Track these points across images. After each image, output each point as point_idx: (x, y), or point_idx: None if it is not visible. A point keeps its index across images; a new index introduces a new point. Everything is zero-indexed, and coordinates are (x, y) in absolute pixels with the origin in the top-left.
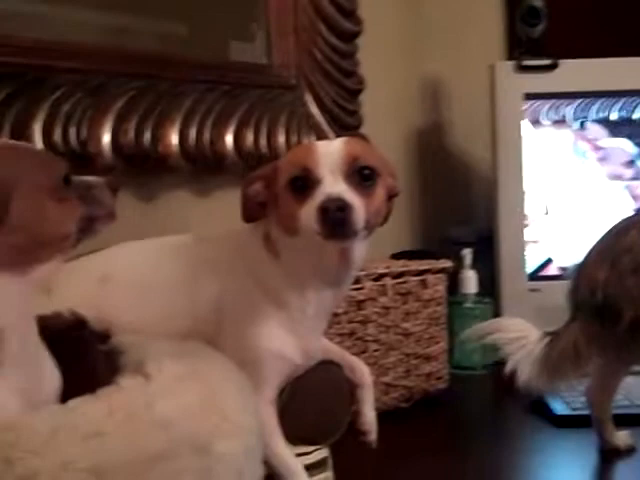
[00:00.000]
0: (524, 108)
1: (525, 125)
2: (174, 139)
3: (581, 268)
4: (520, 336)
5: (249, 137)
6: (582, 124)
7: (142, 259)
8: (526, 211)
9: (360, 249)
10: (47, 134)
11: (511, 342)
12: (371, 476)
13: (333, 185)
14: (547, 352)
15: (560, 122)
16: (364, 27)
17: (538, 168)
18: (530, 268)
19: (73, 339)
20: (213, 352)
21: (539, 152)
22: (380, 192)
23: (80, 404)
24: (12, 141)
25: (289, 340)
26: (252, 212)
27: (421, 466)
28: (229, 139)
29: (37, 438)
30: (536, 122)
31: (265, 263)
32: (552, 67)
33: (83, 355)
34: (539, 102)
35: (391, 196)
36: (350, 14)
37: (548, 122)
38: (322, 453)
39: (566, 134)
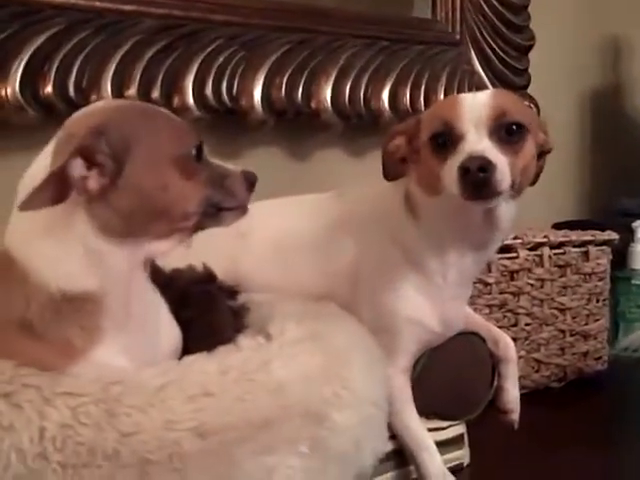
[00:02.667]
0: None
1: None
2: (327, 95)
3: None
4: None
5: (406, 95)
6: None
7: (281, 217)
8: None
9: (507, 211)
10: (199, 87)
11: None
12: (511, 459)
13: (476, 142)
14: None
15: None
16: None
17: None
18: None
19: (200, 293)
20: (344, 315)
21: None
22: (529, 149)
23: (193, 362)
24: (146, 104)
25: (428, 306)
26: (393, 169)
27: (569, 455)
28: (385, 96)
29: (143, 394)
30: None
31: (405, 224)
32: None
33: (209, 310)
34: None
35: (542, 153)
36: None
37: None
38: (458, 429)
39: None
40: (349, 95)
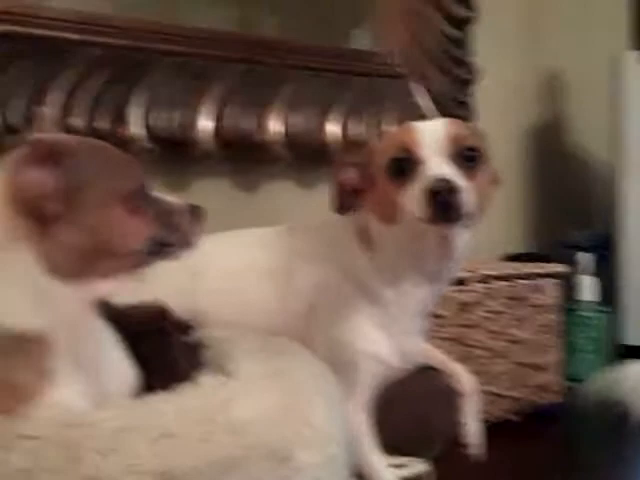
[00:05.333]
0: None
1: None
2: (276, 126)
3: None
4: None
5: (353, 126)
6: None
7: (235, 251)
8: None
9: (461, 239)
10: (146, 117)
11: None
12: None
13: (438, 167)
14: None
15: None
16: (480, 14)
17: None
18: None
19: (153, 330)
20: (302, 351)
21: None
22: (486, 174)
23: (152, 402)
24: (94, 140)
25: (385, 340)
26: (345, 201)
27: None
28: (333, 128)
29: (103, 436)
30: None
31: (358, 256)
32: None
33: (163, 347)
34: None
35: (492, 182)
36: None
37: None
38: (421, 466)
39: None
40: (298, 126)
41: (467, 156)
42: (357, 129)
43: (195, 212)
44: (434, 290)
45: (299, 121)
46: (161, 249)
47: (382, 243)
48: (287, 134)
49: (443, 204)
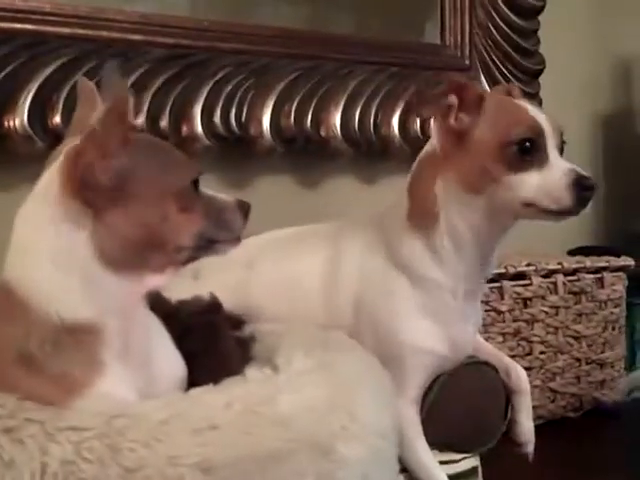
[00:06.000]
0: None
1: None
2: (337, 122)
3: None
4: None
5: (416, 121)
6: None
7: (286, 248)
8: None
9: None
10: (208, 115)
11: None
12: None
13: (559, 159)
14: None
15: None
16: (547, 2)
17: None
18: None
19: (205, 324)
20: (353, 344)
21: None
22: None
23: (198, 394)
24: (151, 136)
25: (434, 329)
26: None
27: None
28: (394, 123)
29: (147, 427)
30: None
31: (408, 243)
32: None
33: (214, 340)
34: None
35: None
36: None
37: None
38: (471, 462)
39: None
40: (358, 122)
41: (562, 150)
42: (423, 124)
43: (243, 207)
44: (483, 272)
45: (360, 116)
46: (209, 245)
47: (451, 213)
48: (348, 129)
49: (584, 198)
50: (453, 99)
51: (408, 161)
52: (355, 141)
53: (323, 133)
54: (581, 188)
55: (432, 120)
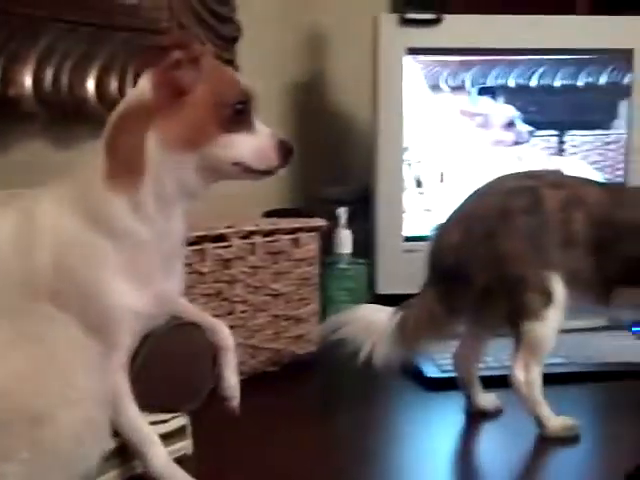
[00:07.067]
0: (419, 67)
1: (424, 90)
2: (27, 81)
3: (440, 230)
4: (371, 321)
5: (113, 83)
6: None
7: None
8: (421, 178)
9: None
10: None
11: (363, 330)
12: (234, 444)
13: (261, 124)
14: (402, 324)
15: (458, 88)
16: None
17: (431, 132)
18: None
19: None
20: (54, 313)
21: (435, 117)
22: None
23: None
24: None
25: (138, 289)
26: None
27: (287, 432)
28: (90, 85)
29: None
30: (436, 87)
31: (107, 200)
32: (436, 22)
33: None
34: (437, 67)
35: None
36: None
37: (447, 88)
38: (180, 421)
39: (459, 99)
40: (53, 82)
41: None
42: (120, 86)
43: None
44: (185, 229)
45: (52, 76)
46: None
47: (160, 169)
48: (39, 89)
49: (287, 159)
50: (179, 54)
51: (105, 125)
52: (48, 102)
53: (13, 93)
54: (284, 150)
55: (144, 75)
